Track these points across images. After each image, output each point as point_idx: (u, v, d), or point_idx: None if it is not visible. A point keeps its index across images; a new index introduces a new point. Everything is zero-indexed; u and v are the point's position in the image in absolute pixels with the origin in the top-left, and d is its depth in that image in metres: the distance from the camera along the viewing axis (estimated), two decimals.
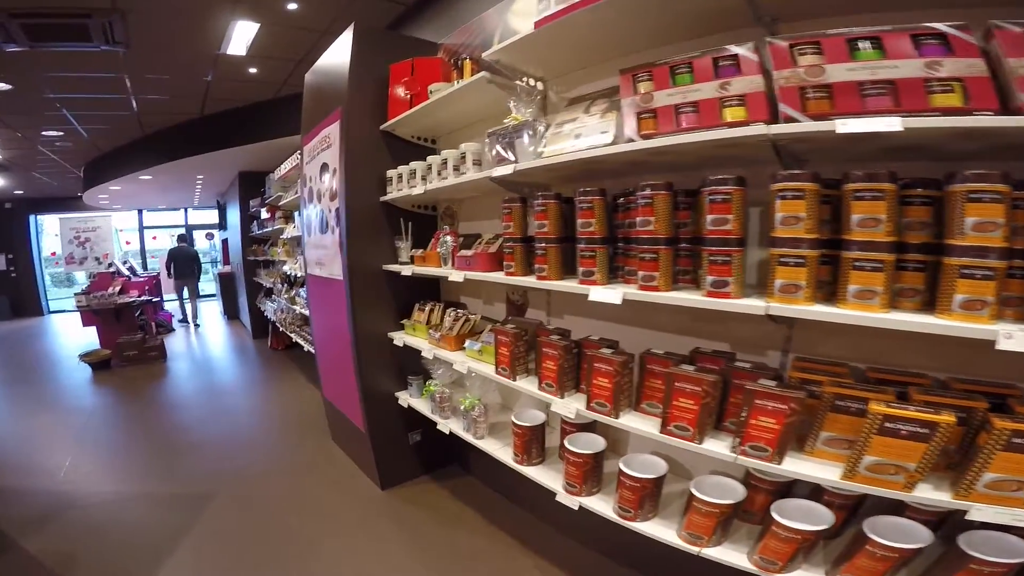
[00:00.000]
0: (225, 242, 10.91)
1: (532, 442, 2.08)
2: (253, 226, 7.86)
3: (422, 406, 2.83)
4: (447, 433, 2.57)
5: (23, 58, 4.23)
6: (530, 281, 1.87)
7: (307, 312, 4.63)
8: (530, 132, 1.83)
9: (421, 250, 2.77)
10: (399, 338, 2.89)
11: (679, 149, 1.40)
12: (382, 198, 2.90)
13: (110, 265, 9.94)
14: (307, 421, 4.31)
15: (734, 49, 1.32)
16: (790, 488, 1.53)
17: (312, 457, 3.62)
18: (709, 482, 1.56)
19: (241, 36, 4.18)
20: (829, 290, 1.29)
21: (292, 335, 5.68)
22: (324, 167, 3.13)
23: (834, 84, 1.17)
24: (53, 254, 13.26)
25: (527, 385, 1.99)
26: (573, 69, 2.14)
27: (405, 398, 2.98)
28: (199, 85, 5.39)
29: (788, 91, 1.22)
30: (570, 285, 1.70)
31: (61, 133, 6.87)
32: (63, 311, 12.62)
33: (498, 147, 1.94)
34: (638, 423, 1.62)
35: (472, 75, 2.22)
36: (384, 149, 2.93)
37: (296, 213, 5.28)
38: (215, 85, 5.39)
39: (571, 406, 1.76)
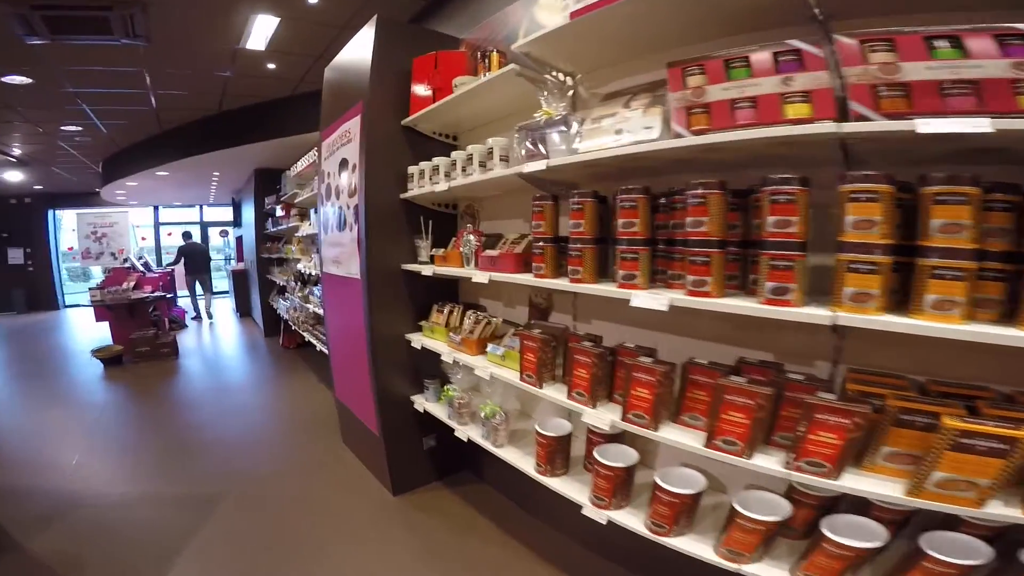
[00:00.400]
0: (239, 239, 10.94)
1: (557, 453, 1.98)
2: (268, 223, 7.84)
3: (439, 411, 2.73)
4: (465, 440, 2.48)
5: (44, 51, 4.22)
6: (562, 284, 1.76)
7: (320, 311, 4.57)
8: (563, 127, 1.73)
9: (442, 249, 2.68)
10: (417, 340, 2.80)
11: (733, 146, 1.31)
12: (402, 195, 2.82)
13: (125, 260, 9.98)
14: (318, 422, 4.24)
15: (796, 44, 1.25)
16: (835, 503, 1.45)
17: (323, 460, 3.54)
18: (752, 497, 1.47)
19: (261, 30, 4.14)
20: (895, 299, 1.19)
21: (304, 334, 5.63)
22: (343, 163, 3.05)
23: (912, 83, 1.10)
24: (70, 249, 13.36)
25: (555, 393, 1.89)
26: (602, 65, 2.06)
27: (421, 402, 2.88)
28: (218, 81, 5.37)
29: (859, 89, 1.15)
30: (608, 289, 1.60)
31: (80, 128, 6.89)
32: (78, 305, 12.72)
33: (528, 142, 1.85)
34: (678, 436, 1.52)
35: (500, 68, 2.14)
36: (405, 145, 2.85)
37: (312, 211, 5.24)
38: (233, 81, 5.36)
39: (605, 417, 1.66)
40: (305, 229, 5.48)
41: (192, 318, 9.93)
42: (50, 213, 12.95)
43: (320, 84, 3.53)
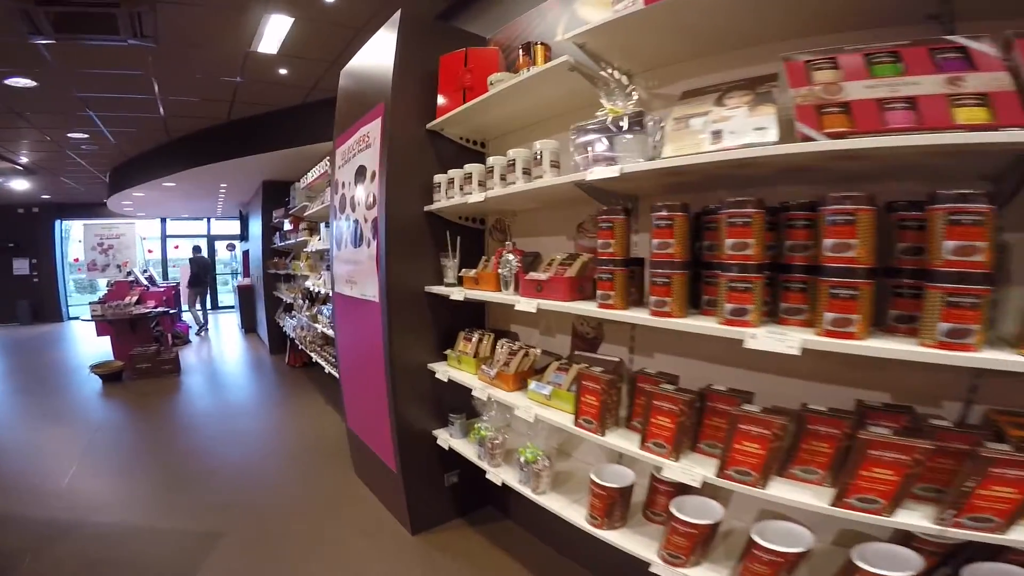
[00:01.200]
0: (246, 254, 10.73)
1: (616, 505, 1.68)
2: (275, 238, 7.61)
3: (467, 450, 2.43)
4: (499, 484, 2.17)
5: (49, 52, 4.02)
6: (640, 317, 1.46)
7: (330, 332, 4.28)
8: (638, 127, 1.46)
9: (472, 270, 2.39)
10: (442, 371, 2.50)
11: (882, 153, 1.04)
12: (427, 207, 2.55)
13: (128, 274, 9.78)
14: (327, 449, 3.92)
15: (961, 40, 1.04)
16: (958, 550, 1.21)
17: (333, 492, 3.23)
18: (869, 550, 1.23)
19: (274, 32, 3.91)
20: None
21: (312, 354, 5.34)
22: (360, 171, 2.79)
23: None
24: (76, 260, 13.21)
25: (622, 442, 1.58)
26: (659, 64, 1.82)
27: (445, 438, 2.57)
28: (227, 87, 5.16)
29: None
30: (710, 326, 1.30)
31: (87, 136, 6.71)
32: (81, 318, 12.49)
33: (589, 146, 1.57)
34: (794, 494, 1.24)
35: (546, 62, 1.88)
36: (430, 151, 2.59)
37: (322, 225, 4.99)
38: (243, 87, 5.16)
39: (695, 472, 1.37)
40: (314, 244, 5.23)
41: (196, 333, 9.71)
42: (57, 223, 12.79)
43: (333, 92, 3.30)
